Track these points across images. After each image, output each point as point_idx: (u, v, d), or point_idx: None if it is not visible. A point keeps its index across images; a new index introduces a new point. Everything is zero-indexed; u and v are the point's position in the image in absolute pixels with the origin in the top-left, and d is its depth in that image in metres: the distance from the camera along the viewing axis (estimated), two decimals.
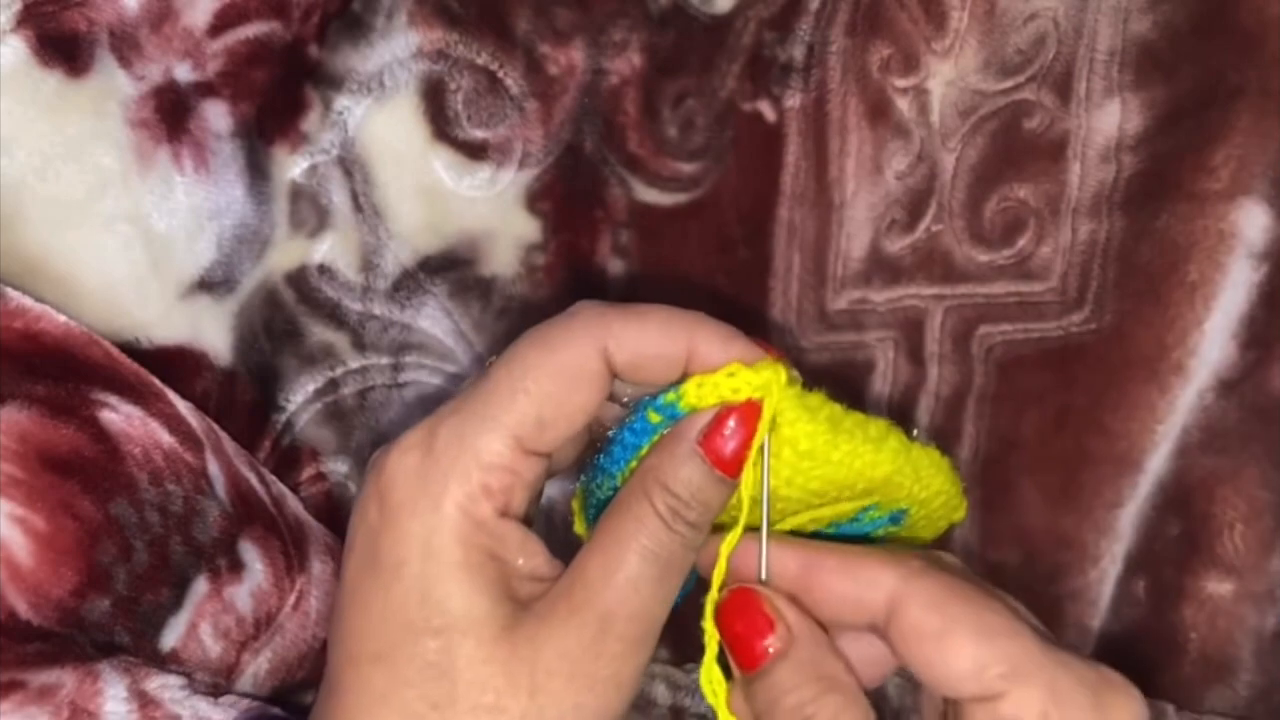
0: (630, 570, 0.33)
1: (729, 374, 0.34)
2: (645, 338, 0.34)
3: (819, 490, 0.35)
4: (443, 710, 0.32)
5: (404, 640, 0.32)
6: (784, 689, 0.33)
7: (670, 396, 0.34)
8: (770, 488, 0.35)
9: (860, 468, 0.35)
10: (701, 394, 0.34)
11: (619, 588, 0.33)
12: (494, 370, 0.34)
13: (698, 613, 0.35)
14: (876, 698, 0.47)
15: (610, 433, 0.36)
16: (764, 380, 0.33)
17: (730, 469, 0.34)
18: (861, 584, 0.33)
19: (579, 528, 0.38)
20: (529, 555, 0.34)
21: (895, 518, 0.38)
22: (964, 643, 0.32)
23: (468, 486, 0.33)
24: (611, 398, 0.35)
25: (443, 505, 0.33)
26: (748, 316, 0.49)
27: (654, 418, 0.35)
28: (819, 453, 0.34)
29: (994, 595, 0.33)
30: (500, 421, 0.33)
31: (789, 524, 0.37)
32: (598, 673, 0.33)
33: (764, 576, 0.35)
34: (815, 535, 0.37)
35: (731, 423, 0.34)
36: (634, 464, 0.35)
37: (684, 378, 0.34)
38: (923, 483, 0.37)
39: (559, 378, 0.33)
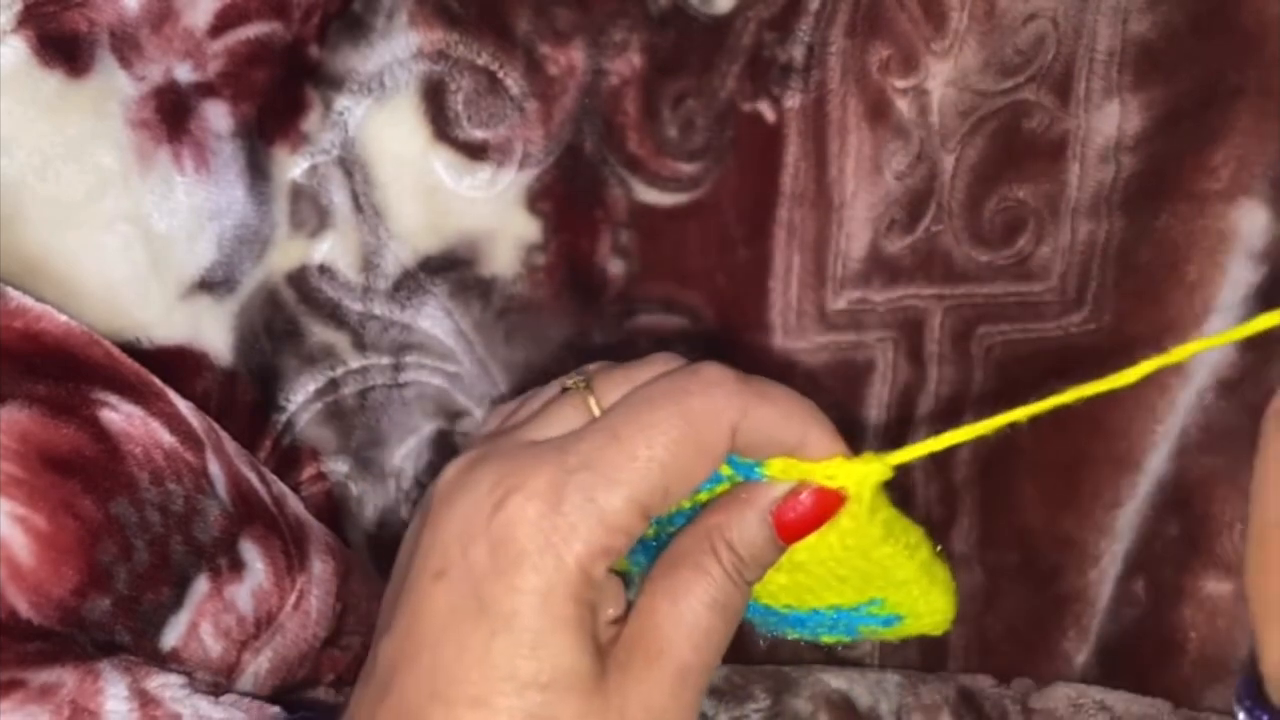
0: (703, 622, 0.34)
1: (828, 468, 0.34)
2: (773, 424, 0.34)
3: (843, 577, 0.36)
4: None
5: (507, 690, 0.32)
6: None
7: (750, 460, 0.35)
8: (800, 561, 0.36)
9: (888, 569, 0.36)
10: (787, 471, 0.34)
11: (694, 639, 0.34)
12: (624, 430, 0.33)
13: None
14: (874, 698, 0.47)
15: None
16: (858, 474, 0.34)
17: (789, 540, 0.35)
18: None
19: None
20: (617, 604, 0.35)
21: (889, 621, 0.39)
22: None
23: (593, 547, 0.32)
24: None
25: (566, 563, 0.32)
26: (747, 316, 0.49)
27: (726, 470, 0.35)
28: (862, 549, 0.35)
29: None
30: (633, 488, 0.33)
31: (797, 602, 0.38)
32: None
33: None
34: (813, 613, 0.38)
35: (806, 497, 0.34)
36: (685, 504, 0.36)
37: None
38: (928, 596, 0.38)
39: (693, 451, 0.33)
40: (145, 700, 0.35)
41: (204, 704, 0.37)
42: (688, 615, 0.34)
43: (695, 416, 0.33)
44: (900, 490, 0.44)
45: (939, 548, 0.37)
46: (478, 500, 0.33)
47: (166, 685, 0.36)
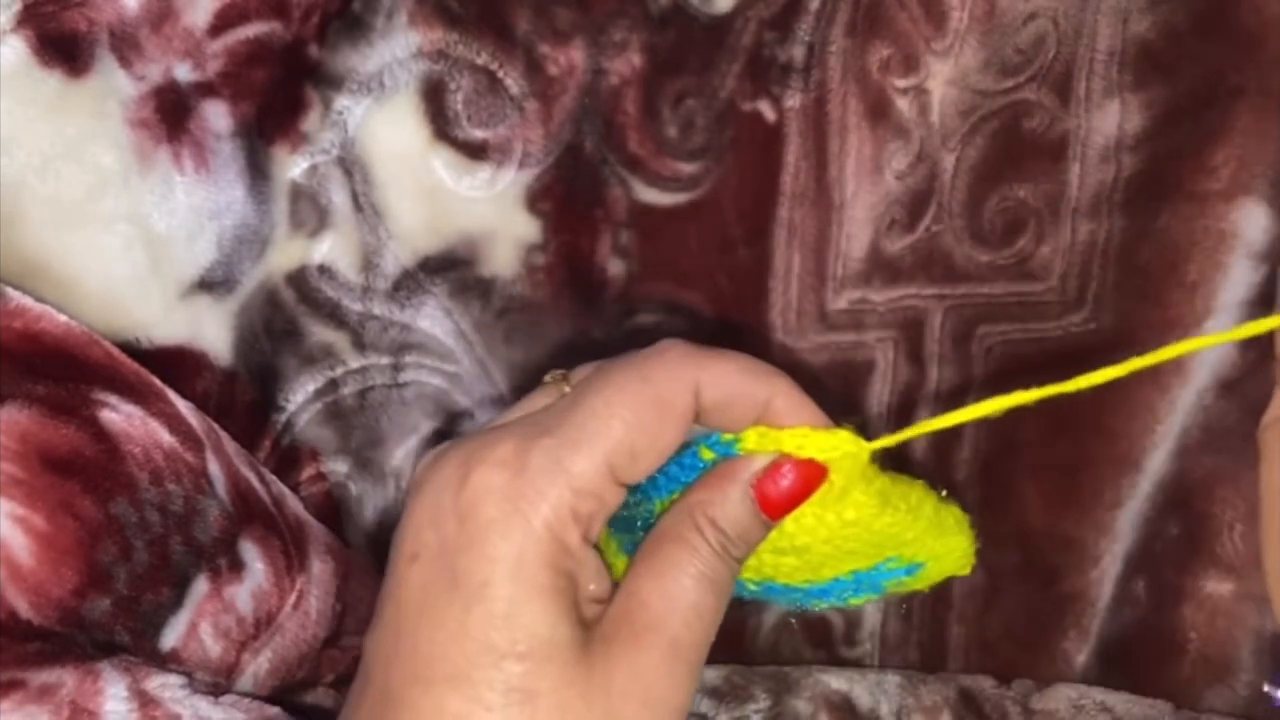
0: (692, 596, 0.33)
1: (800, 435, 0.34)
2: (735, 380, 0.34)
3: (852, 550, 0.36)
4: None
5: (485, 663, 0.32)
6: None
7: (728, 437, 0.34)
8: (804, 544, 0.36)
9: (896, 534, 0.36)
10: (763, 443, 0.34)
11: (683, 614, 0.33)
12: (586, 396, 0.34)
13: None
14: (874, 699, 0.47)
15: None
16: (836, 445, 0.34)
17: (774, 515, 0.35)
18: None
19: (602, 544, 0.39)
20: (599, 581, 0.34)
21: (911, 570, 0.38)
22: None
23: (560, 510, 0.32)
24: None
25: (534, 527, 0.32)
26: (747, 316, 0.49)
27: (707, 454, 0.35)
28: (863, 522, 0.35)
29: None
30: (596, 447, 0.33)
31: (814, 576, 0.37)
32: (668, 698, 0.33)
33: None
34: (834, 582, 0.38)
35: (787, 471, 0.34)
36: (676, 495, 0.35)
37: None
38: (944, 541, 0.37)
39: (655, 409, 0.33)
40: (145, 700, 0.35)
41: (203, 704, 0.37)
42: (674, 590, 0.33)
43: (654, 375, 0.33)
44: None
45: (943, 492, 0.37)
46: (445, 479, 0.33)
47: (166, 685, 0.36)
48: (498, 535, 0.32)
